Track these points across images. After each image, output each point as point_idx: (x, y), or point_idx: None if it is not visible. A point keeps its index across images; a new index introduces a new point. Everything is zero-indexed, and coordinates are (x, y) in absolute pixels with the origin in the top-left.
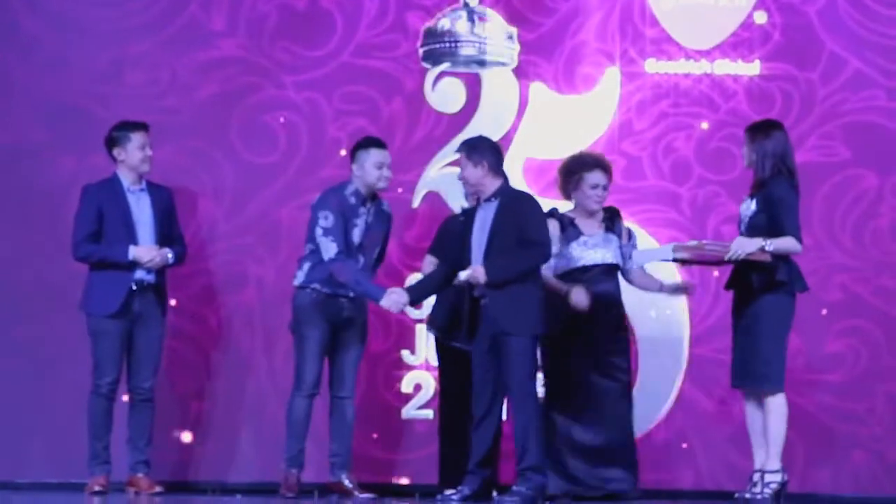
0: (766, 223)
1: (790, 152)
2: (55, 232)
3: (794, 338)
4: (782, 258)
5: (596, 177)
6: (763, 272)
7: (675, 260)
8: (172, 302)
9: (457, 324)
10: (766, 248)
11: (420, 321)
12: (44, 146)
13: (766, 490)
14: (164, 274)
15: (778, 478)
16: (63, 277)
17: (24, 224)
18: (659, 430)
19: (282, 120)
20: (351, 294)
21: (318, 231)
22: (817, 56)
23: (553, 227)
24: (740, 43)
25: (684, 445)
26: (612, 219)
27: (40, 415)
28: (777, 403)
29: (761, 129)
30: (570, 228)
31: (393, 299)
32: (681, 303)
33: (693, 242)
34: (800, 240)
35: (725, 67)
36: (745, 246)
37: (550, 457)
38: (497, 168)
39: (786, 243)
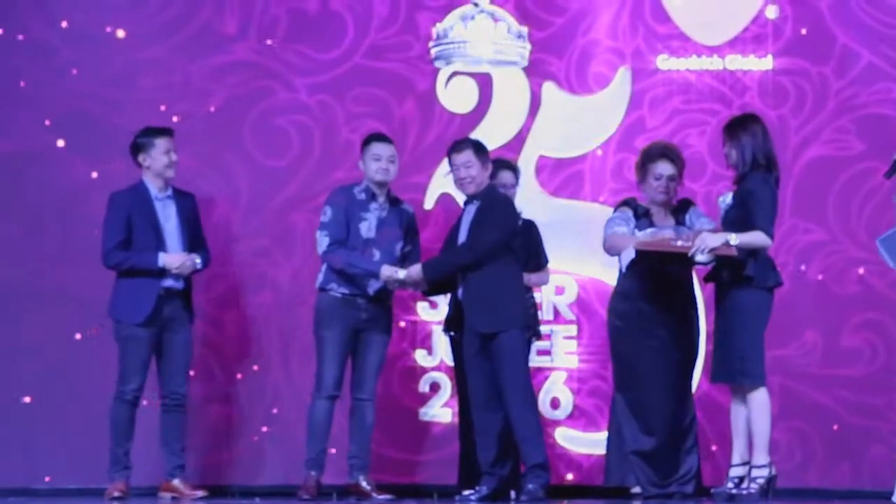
0: (740, 218)
1: (770, 144)
2: (69, 237)
3: (810, 333)
4: (751, 253)
5: (660, 167)
6: (732, 267)
7: (638, 255)
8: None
9: None
10: (731, 243)
11: (436, 323)
12: (58, 152)
13: (753, 485)
14: (191, 279)
15: (765, 472)
16: (78, 282)
17: (38, 230)
18: None
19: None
20: (371, 292)
21: (318, 228)
22: (830, 50)
23: (626, 215)
24: (752, 38)
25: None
26: (683, 210)
27: (57, 420)
28: (759, 398)
29: (739, 125)
30: (642, 218)
31: (391, 269)
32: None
33: (658, 236)
34: (770, 234)
35: (738, 63)
36: (708, 241)
37: (622, 448)
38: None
39: (753, 238)
